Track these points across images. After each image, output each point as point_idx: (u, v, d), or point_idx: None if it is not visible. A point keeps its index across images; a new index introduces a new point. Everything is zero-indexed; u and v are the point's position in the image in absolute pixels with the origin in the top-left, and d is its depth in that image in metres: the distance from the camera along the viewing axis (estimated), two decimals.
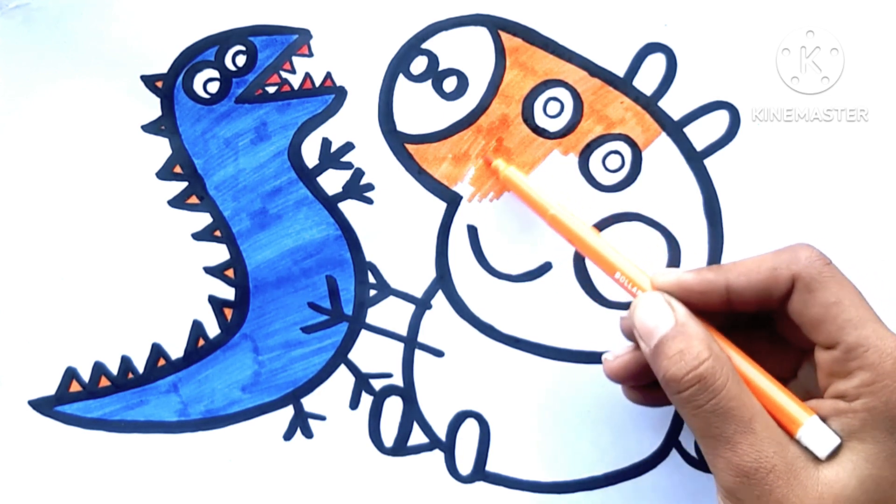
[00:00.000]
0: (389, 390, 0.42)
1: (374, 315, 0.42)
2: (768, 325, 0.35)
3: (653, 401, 0.37)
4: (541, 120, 0.41)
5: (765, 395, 0.32)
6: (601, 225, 0.41)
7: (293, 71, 0.42)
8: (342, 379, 0.42)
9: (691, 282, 0.34)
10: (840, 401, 0.31)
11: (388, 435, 0.42)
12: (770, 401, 0.32)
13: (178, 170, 0.42)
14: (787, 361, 0.35)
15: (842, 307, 0.31)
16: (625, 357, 0.36)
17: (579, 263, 0.42)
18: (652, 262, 0.41)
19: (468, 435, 0.42)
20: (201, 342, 0.42)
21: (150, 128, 0.42)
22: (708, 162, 0.41)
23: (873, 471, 0.30)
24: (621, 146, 0.41)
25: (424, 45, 0.41)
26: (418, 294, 0.42)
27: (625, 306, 0.41)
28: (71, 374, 0.43)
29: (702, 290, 0.33)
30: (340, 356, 0.42)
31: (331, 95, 0.42)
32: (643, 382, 0.36)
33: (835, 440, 0.30)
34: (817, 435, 0.31)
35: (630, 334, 0.36)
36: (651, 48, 0.41)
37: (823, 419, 0.31)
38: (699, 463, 0.42)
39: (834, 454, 0.30)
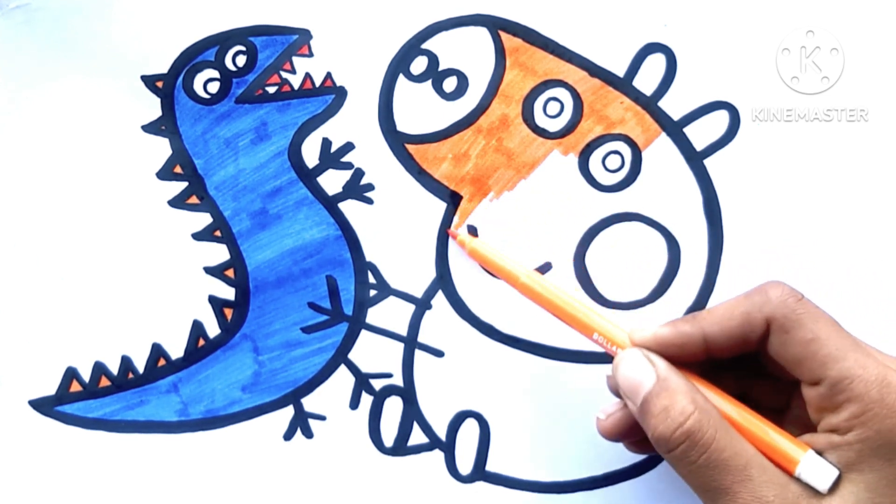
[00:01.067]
0: (389, 390, 0.42)
1: (374, 315, 0.42)
2: (755, 359, 0.35)
3: (654, 452, 0.36)
4: (541, 120, 0.41)
5: (757, 437, 0.32)
6: (601, 225, 0.41)
7: (293, 71, 0.42)
8: (342, 379, 0.42)
9: (668, 336, 0.33)
10: (833, 434, 0.31)
11: (388, 435, 0.42)
12: (763, 442, 0.31)
13: (178, 170, 0.42)
14: (778, 394, 0.35)
15: (820, 343, 0.31)
16: (616, 415, 0.36)
17: (579, 263, 0.42)
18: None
19: (468, 435, 0.42)
20: (201, 342, 0.42)
21: (151, 128, 0.42)
22: (708, 162, 0.41)
23: (876, 499, 0.30)
24: (621, 146, 0.41)
25: (424, 45, 0.41)
26: (418, 294, 0.42)
27: (625, 306, 0.41)
28: (71, 374, 0.43)
29: (679, 344, 0.33)
30: (340, 356, 0.42)
31: (331, 95, 0.42)
32: (637, 438, 0.36)
33: (833, 472, 0.30)
34: (816, 469, 0.30)
35: (617, 392, 0.36)
36: (651, 48, 0.41)
37: (820, 453, 0.31)
38: None
39: (835, 486, 0.30)
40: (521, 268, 0.38)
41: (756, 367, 0.35)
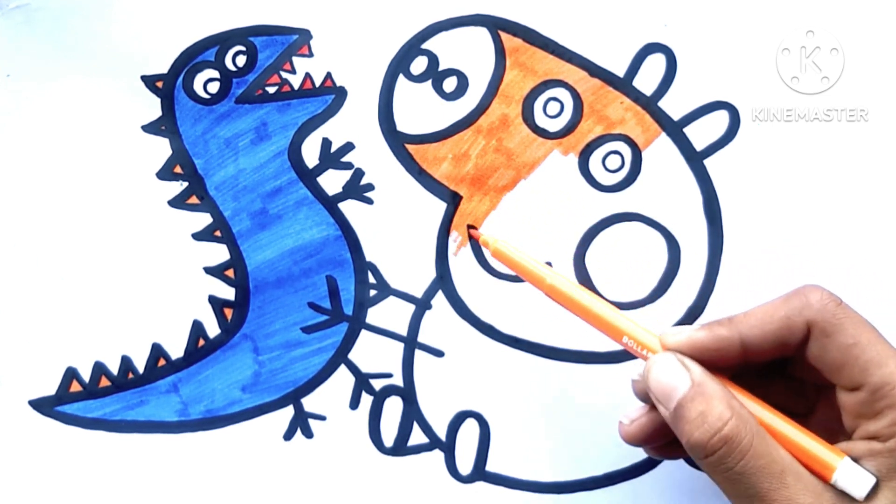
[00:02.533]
0: (389, 390, 0.42)
1: (374, 315, 0.42)
2: (780, 364, 0.34)
3: (676, 457, 0.36)
4: (541, 120, 0.41)
5: (792, 444, 0.31)
6: (601, 225, 0.41)
7: (293, 71, 0.42)
8: (342, 379, 0.42)
9: (703, 340, 0.33)
10: (874, 441, 0.30)
11: (388, 435, 0.42)
12: (799, 449, 0.31)
13: (178, 170, 0.42)
14: (803, 400, 0.34)
15: (861, 348, 0.30)
16: (641, 420, 0.35)
17: (579, 263, 0.42)
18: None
19: (468, 435, 0.42)
20: (201, 342, 0.42)
21: (151, 128, 0.42)
22: (708, 162, 0.41)
23: None
24: (621, 146, 0.41)
25: (424, 46, 0.41)
26: (418, 294, 0.42)
27: (625, 306, 0.41)
28: (71, 374, 0.43)
29: (716, 348, 0.32)
30: (340, 356, 0.42)
31: (331, 95, 0.42)
32: (662, 443, 0.35)
33: (871, 479, 0.30)
34: (853, 477, 0.30)
35: (644, 396, 0.35)
36: (651, 48, 0.41)
37: (856, 460, 0.30)
38: None
39: (872, 494, 0.30)
40: (546, 269, 0.36)
41: (779, 374, 0.34)
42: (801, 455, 0.31)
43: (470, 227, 0.41)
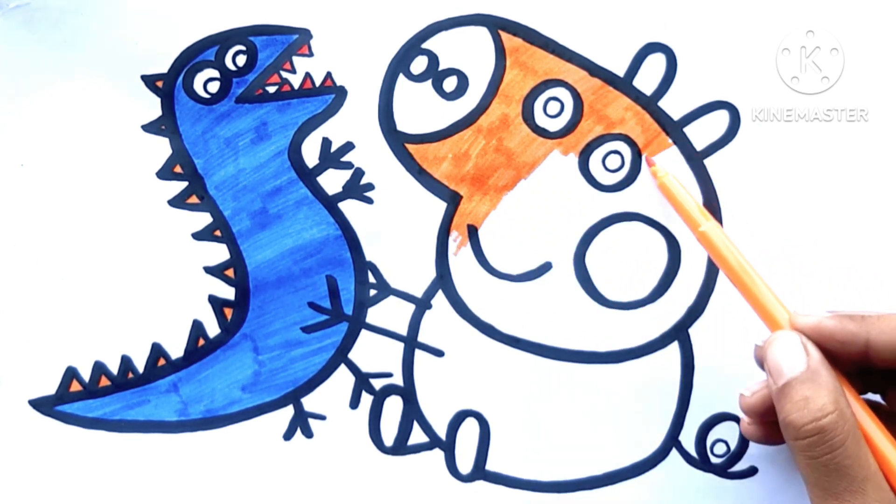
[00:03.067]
0: (389, 390, 0.42)
1: (374, 315, 0.42)
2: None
3: (771, 439, 0.37)
4: (541, 120, 0.41)
5: (884, 457, 0.32)
6: (601, 225, 0.41)
7: (293, 71, 0.42)
8: (342, 379, 0.42)
9: (832, 329, 0.33)
10: None
11: (389, 434, 0.42)
12: (887, 464, 0.31)
13: (178, 169, 0.42)
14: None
15: None
16: (762, 392, 0.35)
17: (579, 263, 0.42)
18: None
19: (468, 434, 0.42)
20: (201, 342, 0.42)
21: (151, 128, 0.42)
22: (708, 162, 0.41)
23: None
24: (621, 146, 0.41)
25: (424, 45, 0.41)
26: (418, 294, 0.42)
27: (625, 306, 0.41)
28: (71, 374, 0.43)
29: (841, 340, 0.33)
30: (340, 356, 0.42)
31: (331, 95, 0.42)
32: (771, 419, 0.35)
33: None
34: None
35: (761, 364, 0.36)
36: (651, 48, 0.41)
37: None
38: (699, 463, 0.42)
39: None
40: (703, 216, 0.38)
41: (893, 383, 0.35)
42: (888, 470, 0.31)
43: (645, 156, 0.41)
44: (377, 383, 0.42)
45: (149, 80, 0.42)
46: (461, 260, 0.42)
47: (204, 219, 0.42)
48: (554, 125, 0.41)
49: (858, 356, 0.33)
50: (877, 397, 0.37)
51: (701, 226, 0.38)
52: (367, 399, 0.42)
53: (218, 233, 0.42)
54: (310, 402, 0.42)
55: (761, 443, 0.38)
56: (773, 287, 0.36)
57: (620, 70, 0.41)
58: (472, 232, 0.42)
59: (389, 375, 0.42)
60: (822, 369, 0.32)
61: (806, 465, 0.31)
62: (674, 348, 0.42)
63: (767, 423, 0.36)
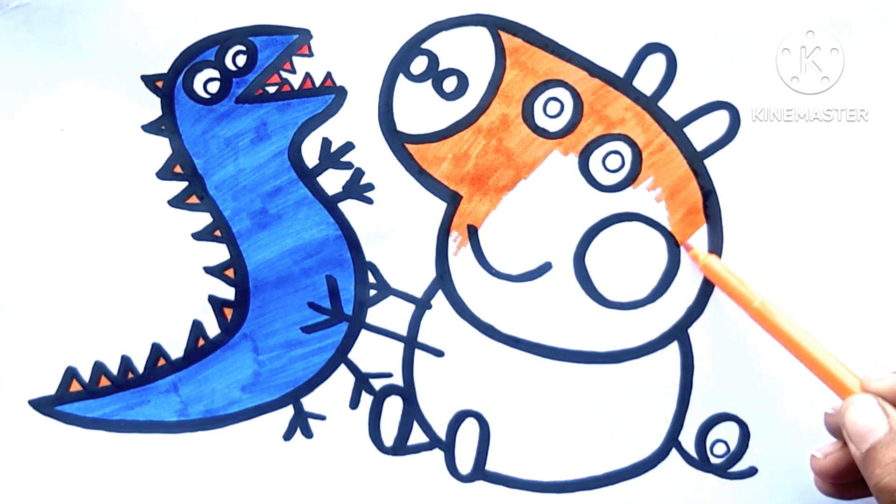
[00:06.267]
0: (389, 390, 0.42)
1: (374, 315, 0.42)
2: None
3: (849, 496, 0.37)
4: (541, 120, 0.41)
5: None
6: (601, 225, 0.41)
7: (293, 71, 0.42)
8: (342, 379, 0.42)
9: None
10: None
11: (388, 434, 0.42)
12: None
13: (178, 170, 0.42)
14: None
15: None
16: (835, 454, 0.35)
17: (579, 263, 0.42)
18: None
19: (468, 434, 0.42)
20: (201, 342, 0.42)
21: (151, 128, 0.42)
22: (708, 162, 0.41)
23: None
24: (621, 146, 0.41)
25: (424, 45, 0.41)
26: (418, 294, 0.42)
27: (625, 306, 0.41)
28: (71, 374, 0.43)
29: None
30: (340, 356, 0.42)
31: (331, 95, 0.42)
32: (851, 480, 0.35)
33: None
34: None
35: (835, 431, 0.36)
36: (651, 48, 0.41)
37: None
38: (699, 463, 0.42)
39: None
40: (754, 293, 0.38)
41: None
42: None
43: (682, 243, 0.41)
44: (377, 383, 0.42)
45: (149, 80, 0.42)
46: (461, 260, 0.42)
47: (204, 219, 0.42)
48: (554, 125, 0.41)
49: None
50: None
51: (754, 301, 0.38)
52: (366, 399, 0.42)
53: (218, 233, 0.42)
54: (310, 403, 0.42)
55: (850, 499, 0.37)
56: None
57: (620, 70, 0.41)
58: (472, 232, 0.42)
59: (389, 375, 0.42)
60: None
61: None
62: (673, 348, 0.42)
63: (841, 484, 0.36)
